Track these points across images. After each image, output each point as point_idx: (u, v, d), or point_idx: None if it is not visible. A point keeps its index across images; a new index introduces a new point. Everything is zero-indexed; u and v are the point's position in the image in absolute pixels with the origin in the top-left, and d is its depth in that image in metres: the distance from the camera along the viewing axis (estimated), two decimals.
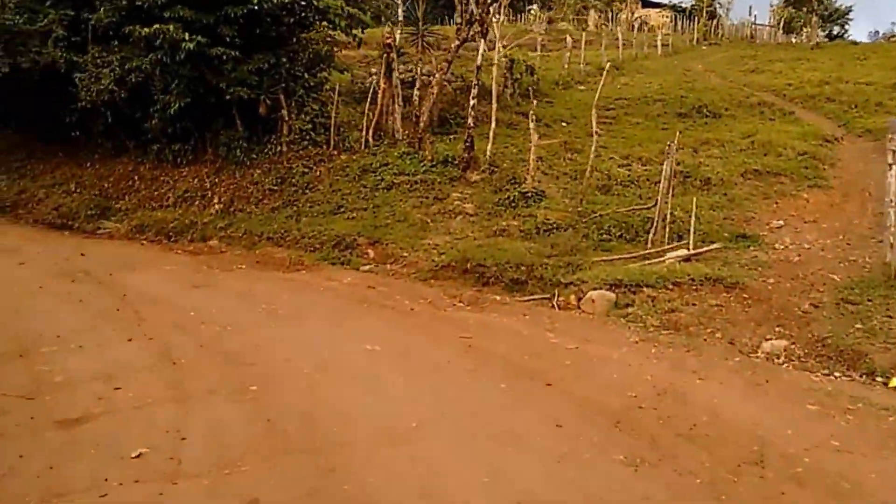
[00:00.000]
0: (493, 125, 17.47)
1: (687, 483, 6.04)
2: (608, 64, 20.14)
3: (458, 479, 6.09)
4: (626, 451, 6.51)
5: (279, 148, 17.98)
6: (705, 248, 13.24)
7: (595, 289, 11.88)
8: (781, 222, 15.29)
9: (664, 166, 14.08)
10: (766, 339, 10.09)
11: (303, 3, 17.48)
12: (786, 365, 9.33)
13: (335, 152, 17.86)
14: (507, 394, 7.96)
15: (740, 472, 6.21)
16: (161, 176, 19.05)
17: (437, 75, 18.05)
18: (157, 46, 16.20)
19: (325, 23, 18.32)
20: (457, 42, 17.81)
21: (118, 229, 17.37)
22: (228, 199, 17.79)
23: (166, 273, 13.57)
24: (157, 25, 15.60)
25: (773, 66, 28.55)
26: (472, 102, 17.02)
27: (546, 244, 13.84)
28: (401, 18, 20.37)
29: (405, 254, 14.39)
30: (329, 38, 18.96)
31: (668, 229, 13.93)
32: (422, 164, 17.04)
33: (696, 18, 38.69)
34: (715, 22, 39.72)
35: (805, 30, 39.56)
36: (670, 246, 13.53)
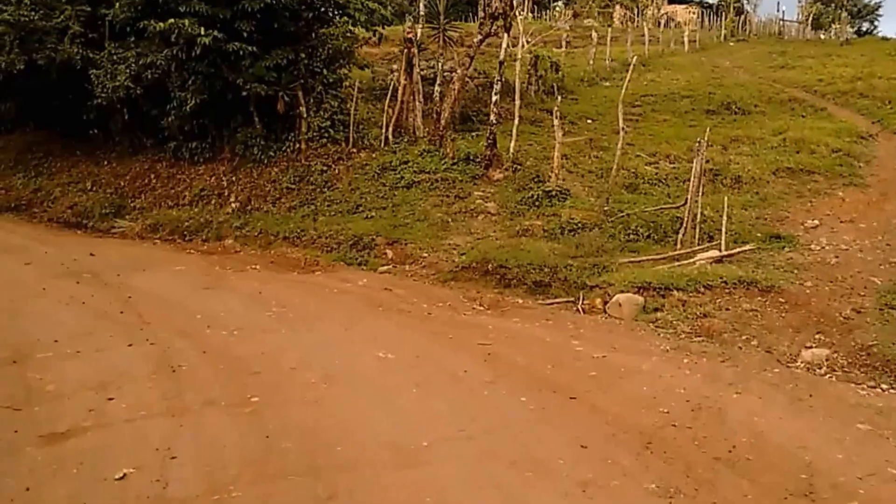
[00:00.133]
0: (517, 122, 16.73)
1: None
2: (634, 58, 19.23)
3: None
4: (658, 479, 5.76)
5: (297, 146, 17.35)
6: (738, 249, 12.41)
7: (622, 292, 11.14)
8: (817, 222, 14.42)
9: (694, 164, 13.24)
10: (806, 348, 9.30)
11: None
12: (828, 376, 8.53)
13: (354, 150, 17.20)
14: (528, 409, 7.23)
15: None
16: (178, 174, 18.52)
17: (458, 71, 17.31)
18: (173, 42, 15.63)
19: (344, 17, 17.64)
20: (479, 37, 17.05)
21: (132, 228, 16.84)
22: (245, 197, 17.20)
23: (176, 274, 12.99)
24: (171, 20, 15.03)
25: (803, 62, 27.46)
26: (494, 98, 16.28)
27: (571, 245, 13.09)
28: (422, 13, 19.63)
29: (424, 254, 13.71)
30: (349, 34, 18.27)
31: (698, 229, 13.11)
32: (443, 161, 16.33)
33: (724, 15, 37.60)
34: (742, 18, 38.57)
35: (834, 26, 38.29)
36: (701, 247, 12.72)
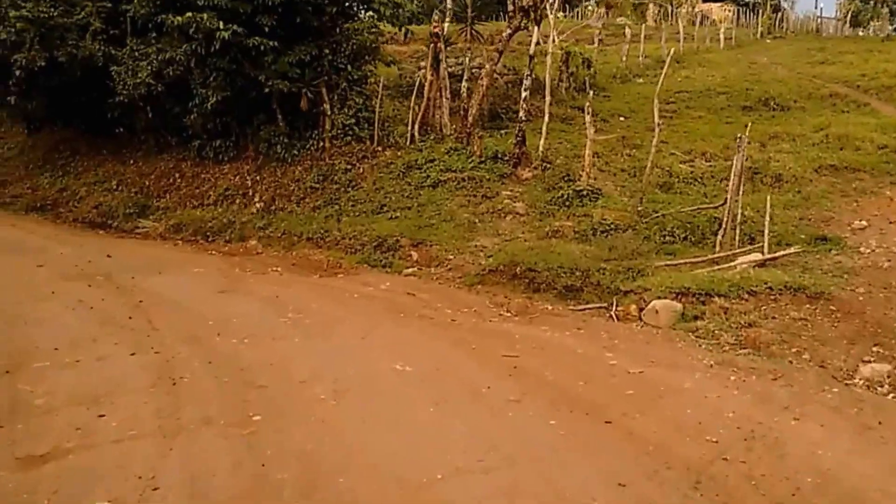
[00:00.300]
0: (547, 119, 15.73)
1: None
2: (672, 50, 18.10)
3: None
4: None
5: (321, 144, 16.54)
6: (782, 252, 11.33)
7: (658, 297, 10.16)
8: (864, 223, 13.24)
9: (734, 161, 12.17)
10: (864, 362, 8.30)
11: None
12: (892, 396, 7.47)
13: (379, 148, 16.34)
14: (557, 434, 6.29)
15: None
16: (202, 173, 17.82)
17: (487, 66, 16.35)
18: (192, 36, 14.91)
19: (369, 12, 16.78)
20: (508, 31, 16.08)
21: (155, 228, 16.18)
22: (269, 197, 16.44)
23: (193, 276, 12.24)
24: (189, 14, 14.30)
25: (844, 58, 25.96)
26: (524, 95, 15.31)
27: (603, 247, 12.12)
28: (449, 6, 18.71)
29: (450, 256, 12.83)
30: (374, 29, 17.42)
31: (738, 230, 12.04)
32: (470, 160, 15.39)
33: (760, 12, 36.12)
34: (779, 15, 37.06)
35: (873, 23, 36.62)
36: (742, 249, 11.66)
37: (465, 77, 16.70)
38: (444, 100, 16.59)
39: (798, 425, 6.43)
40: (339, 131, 16.43)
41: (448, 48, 17.85)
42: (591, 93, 15.47)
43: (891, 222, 13.30)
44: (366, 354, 8.43)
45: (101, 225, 16.97)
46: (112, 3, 17.16)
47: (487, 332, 9.43)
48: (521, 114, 15.19)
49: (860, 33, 35.12)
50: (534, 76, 15.97)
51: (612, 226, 12.87)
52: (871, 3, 36.61)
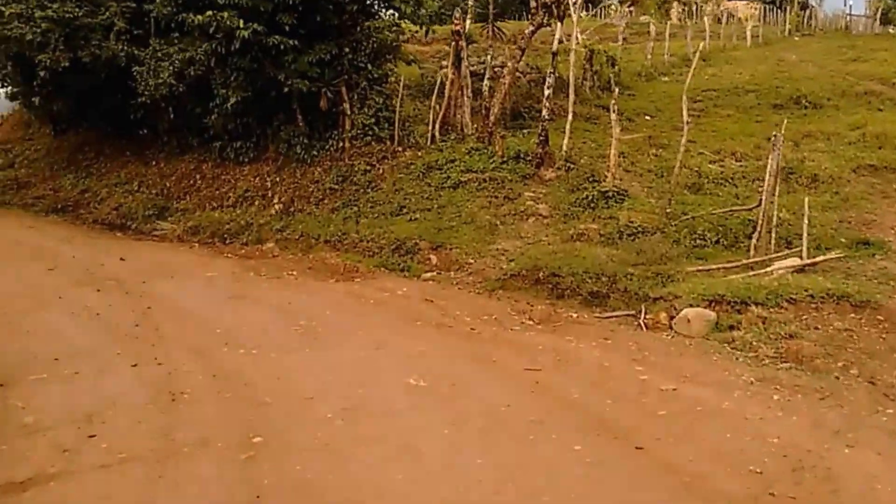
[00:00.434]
0: (570, 118, 14.95)
1: None
2: (701, 46, 17.24)
3: None
4: None
5: (341, 144, 15.92)
6: (822, 257, 10.49)
7: (690, 305, 9.38)
8: None
9: (769, 161, 11.34)
10: None
11: None
12: None
13: (399, 148, 15.68)
14: (583, 462, 5.58)
15: None
16: (223, 174, 17.31)
17: (509, 64, 15.62)
18: (212, 35, 14.37)
19: (390, 10, 16.12)
20: (531, 28, 15.33)
21: (173, 230, 15.69)
22: (288, 198, 15.87)
23: (206, 281, 11.68)
24: (209, 12, 13.76)
25: (877, 56, 24.76)
26: (546, 93, 14.55)
27: (630, 251, 11.37)
28: (471, 3, 17.98)
29: (471, 260, 12.15)
30: (395, 27, 16.77)
31: (773, 234, 11.21)
32: (491, 160, 14.67)
33: (787, 10, 34.91)
34: (807, 12, 35.82)
35: None
36: (779, 254, 10.83)
37: (486, 75, 15.98)
38: (465, 99, 15.89)
39: (852, 454, 5.66)
40: (358, 131, 15.81)
41: (470, 46, 17.12)
42: (617, 90, 14.64)
43: None
44: (378, 367, 7.78)
45: (120, 227, 16.54)
46: (136, 3, 16.69)
47: (508, 342, 8.73)
48: (545, 112, 14.44)
49: (890, 31, 33.75)
50: (557, 74, 15.22)
51: (640, 228, 12.11)
52: None
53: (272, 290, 11.15)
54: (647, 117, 18.66)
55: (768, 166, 11.29)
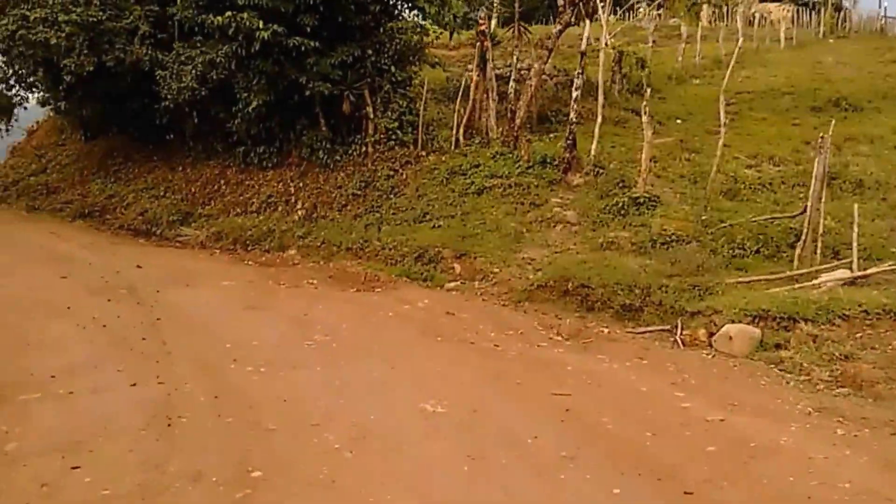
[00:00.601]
0: (599, 122, 14.02)
1: None
2: (738, 46, 16.12)
3: None
4: None
5: (364, 149, 15.18)
6: (875, 269, 9.46)
7: (732, 321, 8.46)
8: None
9: (815, 165, 10.34)
10: None
11: None
12: None
13: (423, 153, 14.88)
14: None
15: None
16: (246, 180, 16.65)
17: (536, 66, 14.73)
18: (233, 38, 13.72)
19: (413, 10, 15.35)
20: (558, 27, 14.44)
21: (196, 236, 15.07)
22: (311, 204, 15.17)
23: (222, 290, 10.96)
24: (229, 13, 13.11)
25: None
26: (574, 95, 13.63)
27: (664, 261, 10.44)
28: (496, 3, 17.11)
29: (495, 269, 11.33)
30: (419, 29, 15.98)
31: (819, 243, 10.20)
32: (517, 165, 13.79)
33: (822, 11, 33.48)
34: (841, 14, 34.33)
35: None
36: (826, 265, 9.82)
37: (512, 77, 15.10)
38: (490, 102, 15.02)
39: None
40: (381, 136, 15.05)
41: (495, 48, 16.27)
42: (649, 91, 13.69)
43: None
44: (393, 390, 6.98)
45: (145, 233, 15.96)
46: (159, 6, 16.10)
47: (535, 361, 7.88)
48: (572, 115, 13.52)
49: None
50: (585, 78, 14.31)
51: (674, 237, 11.17)
52: None
53: (289, 301, 10.41)
54: (678, 121, 17.63)
55: (814, 171, 10.28)
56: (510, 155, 14.00)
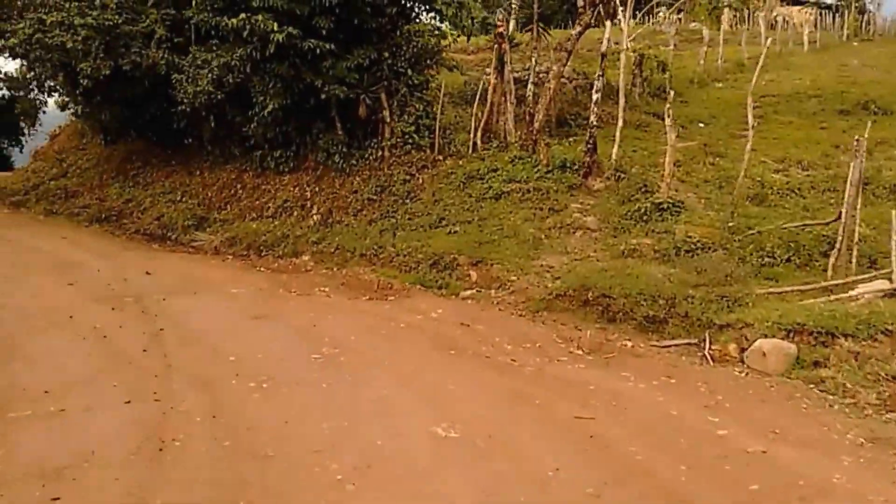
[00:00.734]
0: (620, 125, 13.33)
1: None
2: (767, 47, 15.38)
3: None
4: None
5: (380, 153, 14.63)
6: None
7: (765, 335, 7.75)
8: None
9: (850, 169, 9.59)
10: None
11: None
12: None
13: (439, 157, 14.29)
14: None
15: None
16: (263, 185, 16.18)
17: (555, 68, 14.08)
18: (248, 40, 13.24)
19: (431, 13, 14.76)
20: (578, 29, 13.78)
21: (210, 242, 14.59)
22: (327, 209, 14.64)
23: (230, 298, 10.42)
24: (243, 15, 12.62)
25: None
26: (594, 97, 12.97)
27: (690, 269, 9.71)
28: (514, 4, 16.50)
29: (513, 277, 10.69)
30: (436, 31, 15.41)
31: (854, 251, 9.45)
32: (535, 169, 13.13)
33: (845, 14, 32.46)
34: (865, 17, 33.27)
35: None
36: (863, 276, 9.07)
37: (531, 80, 14.46)
38: (508, 105, 14.40)
39: None
40: (398, 139, 14.47)
41: (513, 49, 15.63)
42: (672, 93, 12.97)
43: None
44: (402, 411, 6.36)
45: (160, 237, 15.55)
46: (176, 9, 15.69)
47: (554, 378, 7.23)
48: (592, 118, 12.85)
49: None
50: (605, 81, 13.63)
51: (699, 244, 10.45)
52: None
53: (299, 310, 9.84)
54: (701, 125, 16.89)
55: (849, 175, 9.54)
56: (528, 159, 13.35)
